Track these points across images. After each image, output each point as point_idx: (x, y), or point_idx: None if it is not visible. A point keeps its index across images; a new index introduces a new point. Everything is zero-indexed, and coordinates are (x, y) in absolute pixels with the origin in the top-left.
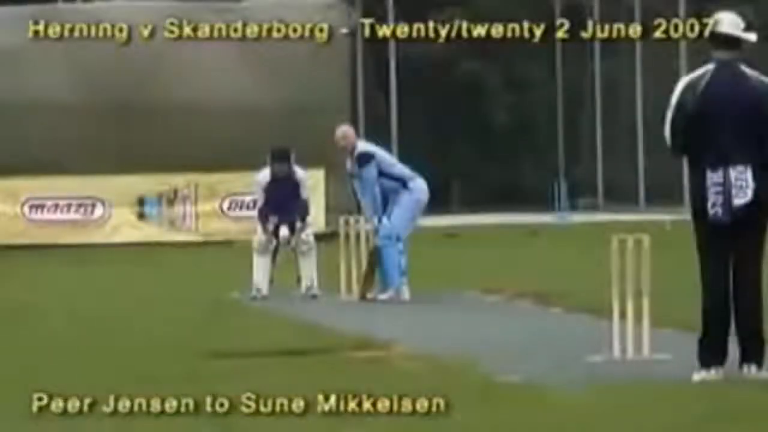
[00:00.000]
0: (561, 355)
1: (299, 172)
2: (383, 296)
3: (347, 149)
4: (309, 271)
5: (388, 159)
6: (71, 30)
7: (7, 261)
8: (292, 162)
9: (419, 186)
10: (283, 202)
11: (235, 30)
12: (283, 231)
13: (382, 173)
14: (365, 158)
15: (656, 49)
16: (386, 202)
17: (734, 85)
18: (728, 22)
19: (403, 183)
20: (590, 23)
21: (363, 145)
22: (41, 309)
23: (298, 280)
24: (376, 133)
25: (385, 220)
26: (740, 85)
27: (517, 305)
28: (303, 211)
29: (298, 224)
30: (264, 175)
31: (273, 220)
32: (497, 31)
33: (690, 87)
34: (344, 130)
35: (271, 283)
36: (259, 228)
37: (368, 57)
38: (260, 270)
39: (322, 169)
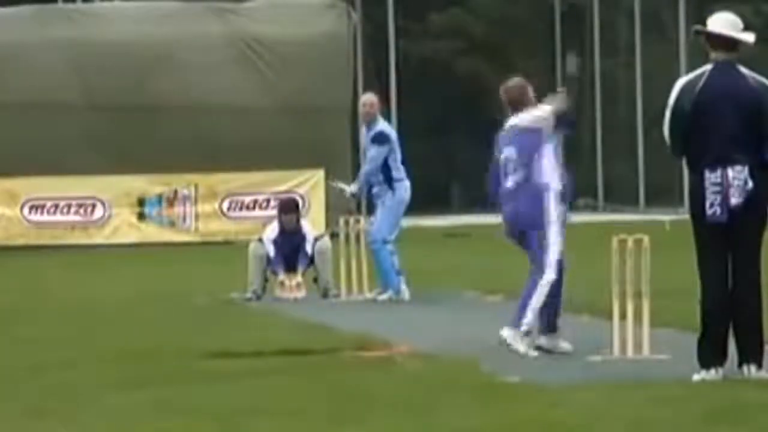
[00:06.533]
0: (561, 355)
1: (305, 225)
2: (382, 297)
3: (365, 119)
4: (325, 273)
5: (397, 153)
6: (71, 30)
7: (7, 262)
8: (300, 213)
9: (404, 185)
10: (289, 256)
11: (235, 30)
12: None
13: (384, 162)
14: (381, 139)
15: (656, 49)
16: (370, 193)
17: (731, 85)
18: (725, 23)
19: (390, 182)
20: (590, 23)
21: (386, 126)
22: (41, 310)
23: (315, 280)
24: None
25: (369, 226)
26: (737, 85)
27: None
28: (306, 266)
29: (300, 272)
30: (273, 228)
31: (280, 274)
32: (497, 30)
33: (687, 88)
34: (371, 98)
35: (267, 281)
36: (257, 239)
37: (368, 57)
38: (255, 271)
39: (322, 169)
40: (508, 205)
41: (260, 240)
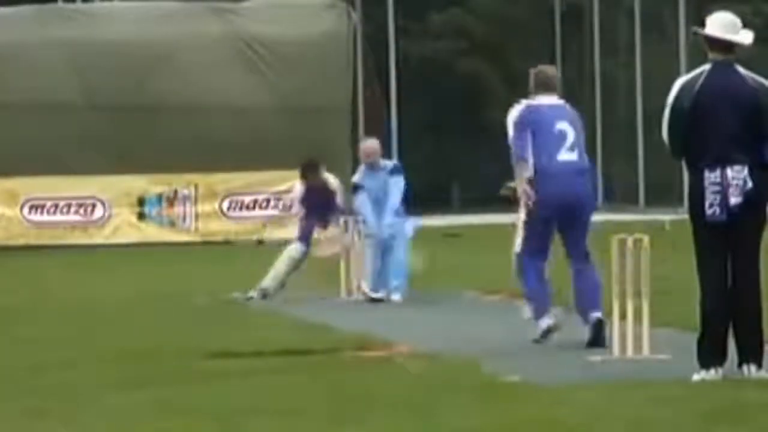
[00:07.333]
0: (561, 355)
1: (332, 180)
2: (396, 283)
3: (366, 161)
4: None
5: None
6: (71, 30)
7: (7, 262)
8: (321, 172)
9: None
10: (321, 212)
11: (235, 30)
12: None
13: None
14: (399, 169)
15: (656, 49)
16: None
17: (729, 85)
18: (722, 24)
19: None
20: (590, 23)
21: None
22: (41, 310)
23: None
24: (376, 133)
25: (392, 217)
26: (735, 85)
27: (517, 305)
28: (338, 218)
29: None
30: (296, 190)
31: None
32: (497, 30)
33: (685, 88)
34: (373, 145)
35: (281, 287)
36: (298, 243)
37: (368, 57)
38: (280, 271)
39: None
40: (572, 180)
41: (300, 243)
